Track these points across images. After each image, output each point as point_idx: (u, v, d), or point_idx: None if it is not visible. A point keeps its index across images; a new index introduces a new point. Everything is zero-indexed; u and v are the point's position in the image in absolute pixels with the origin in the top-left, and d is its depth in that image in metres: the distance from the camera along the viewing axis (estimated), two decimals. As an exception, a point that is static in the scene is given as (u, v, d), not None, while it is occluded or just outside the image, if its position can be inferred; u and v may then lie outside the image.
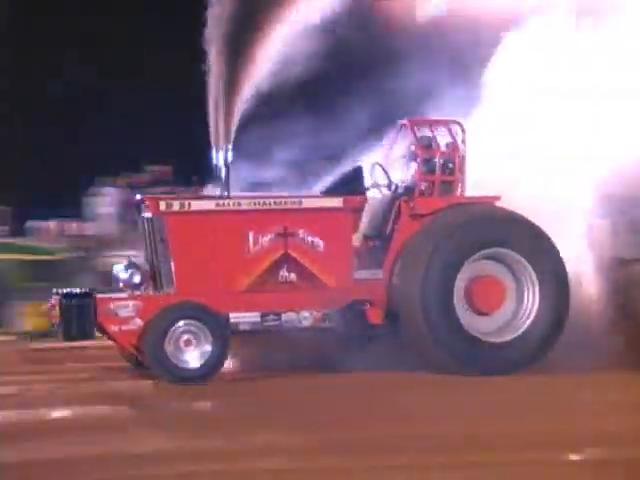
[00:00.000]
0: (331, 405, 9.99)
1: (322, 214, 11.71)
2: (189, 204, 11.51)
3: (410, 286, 11.33)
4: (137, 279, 11.53)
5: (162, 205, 11.41)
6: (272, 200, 11.67)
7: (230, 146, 11.71)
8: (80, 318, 11.19)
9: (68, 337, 11.32)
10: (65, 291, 11.38)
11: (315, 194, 11.99)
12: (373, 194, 12.13)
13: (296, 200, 11.71)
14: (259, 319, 11.55)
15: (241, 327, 11.57)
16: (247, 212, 11.55)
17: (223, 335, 11.12)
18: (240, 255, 11.47)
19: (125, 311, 11.21)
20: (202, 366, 11.06)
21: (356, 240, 11.90)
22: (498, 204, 11.94)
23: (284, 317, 11.59)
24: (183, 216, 11.43)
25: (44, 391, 11.09)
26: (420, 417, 9.34)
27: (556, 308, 11.38)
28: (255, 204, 11.62)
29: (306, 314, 11.63)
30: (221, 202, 11.53)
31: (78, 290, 11.44)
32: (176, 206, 11.44)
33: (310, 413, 9.61)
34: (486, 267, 11.56)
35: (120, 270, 11.65)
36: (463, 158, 12.05)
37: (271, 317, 11.58)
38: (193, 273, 11.39)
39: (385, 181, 12.15)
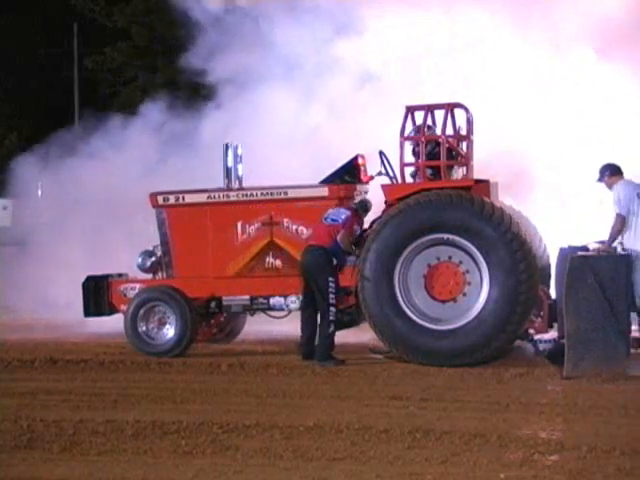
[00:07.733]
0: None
1: (307, 203, 12.34)
2: (183, 197, 12.67)
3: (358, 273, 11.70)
4: (148, 264, 12.93)
5: (160, 199, 12.70)
6: (259, 191, 12.51)
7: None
8: (96, 298, 12.83)
9: (87, 313, 12.95)
10: (88, 275, 13.03)
11: (301, 184, 12.57)
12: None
13: (281, 190, 12.45)
14: (249, 302, 12.49)
15: (233, 309, 12.58)
16: (235, 203, 12.49)
17: (186, 316, 12.21)
18: (229, 243, 12.47)
19: (132, 292, 12.68)
20: (167, 342, 12.29)
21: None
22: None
23: (272, 300, 12.43)
24: (178, 208, 12.65)
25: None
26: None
27: (505, 296, 11.11)
28: (243, 195, 12.53)
29: (293, 298, 12.38)
30: (212, 194, 12.59)
31: (99, 274, 13.04)
32: (172, 199, 12.68)
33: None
34: (446, 253, 11.51)
35: (138, 256, 13.09)
36: (470, 141, 12.14)
37: (260, 300, 12.47)
38: (188, 259, 12.59)
39: (388, 169, 12.47)
